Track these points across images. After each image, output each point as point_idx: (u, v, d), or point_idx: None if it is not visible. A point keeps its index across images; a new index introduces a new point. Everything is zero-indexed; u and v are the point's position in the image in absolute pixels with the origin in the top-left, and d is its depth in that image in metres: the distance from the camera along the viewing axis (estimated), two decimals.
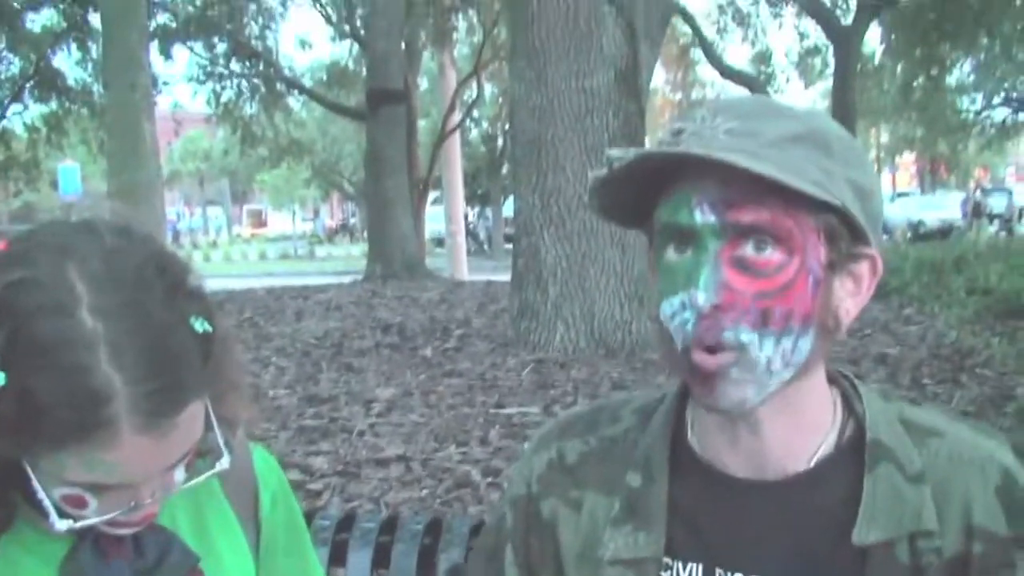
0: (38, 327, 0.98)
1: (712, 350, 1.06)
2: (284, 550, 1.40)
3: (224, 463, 1.15)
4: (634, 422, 1.29)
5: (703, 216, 1.06)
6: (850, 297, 1.12)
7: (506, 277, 9.12)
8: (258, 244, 48.80)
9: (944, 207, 32.76)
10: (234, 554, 1.32)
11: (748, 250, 1.05)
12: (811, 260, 1.07)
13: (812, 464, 1.16)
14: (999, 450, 1.15)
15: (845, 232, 1.08)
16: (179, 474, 1.12)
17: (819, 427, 1.17)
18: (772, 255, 1.05)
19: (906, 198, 39.91)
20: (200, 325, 1.06)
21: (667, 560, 1.20)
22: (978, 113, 29.88)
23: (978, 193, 31.32)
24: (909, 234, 24.82)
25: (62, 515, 1.07)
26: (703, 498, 1.20)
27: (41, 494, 1.05)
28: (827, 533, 1.13)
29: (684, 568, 1.19)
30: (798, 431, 1.16)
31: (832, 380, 1.21)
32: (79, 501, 1.07)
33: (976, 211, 29.00)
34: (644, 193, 1.13)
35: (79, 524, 1.08)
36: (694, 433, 1.23)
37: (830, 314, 1.10)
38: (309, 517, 2.04)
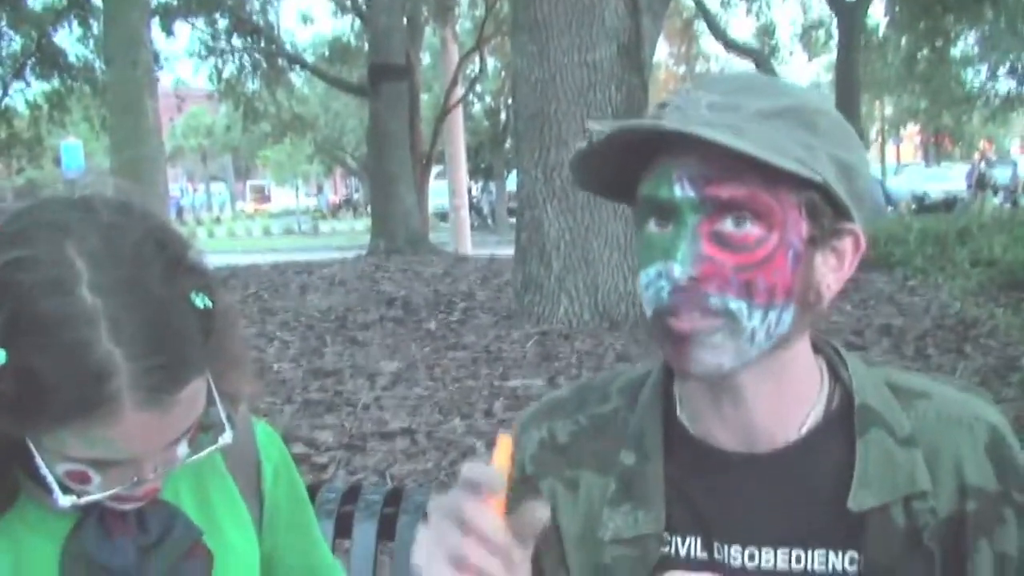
0: (38, 305, 0.98)
1: (685, 317, 1.07)
2: (287, 523, 1.41)
3: (226, 438, 1.16)
4: (622, 401, 1.28)
5: (682, 191, 1.06)
6: (832, 272, 1.12)
7: (510, 251, 9.12)
8: (262, 220, 48.73)
9: (948, 179, 32.63)
10: (237, 528, 1.32)
11: (727, 225, 1.05)
12: (791, 235, 1.07)
13: (803, 433, 1.16)
14: (985, 408, 1.16)
15: (827, 208, 1.08)
16: (181, 449, 1.13)
17: (806, 396, 1.18)
18: (751, 230, 1.05)
19: (910, 169, 39.80)
20: (201, 300, 1.06)
21: (665, 535, 1.20)
22: (982, 85, 29.75)
23: (983, 165, 31.19)
24: (914, 206, 24.75)
25: (65, 491, 1.07)
26: (697, 473, 1.20)
27: (44, 470, 1.06)
28: (823, 501, 1.13)
29: (683, 542, 1.19)
30: (783, 400, 1.16)
31: (817, 349, 1.22)
32: (82, 477, 1.07)
33: (980, 183, 28.88)
34: (628, 167, 1.13)
35: (83, 500, 1.08)
36: (683, 409, 1.23)
37: (812, 289, 1.10)
38: (314, 490, 2.04)
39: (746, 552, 1.16)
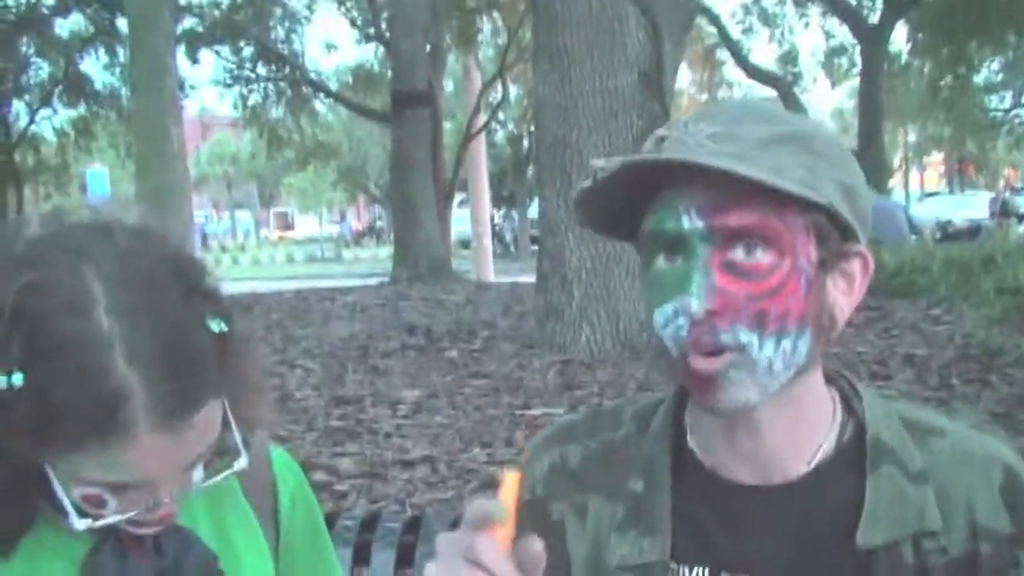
0: (55, 328, 0.99)
1: (710, 353, 1.06)
2: (303, 550, 1.41)
3: (242, 463, 1.16)
4: (634, 428, 1.28)
5: (691, 222, 1.06)
6: (843, 296, 1.12)
7: (532, 279, 9.12)
8: (285, 247, 48.98)
9: (973, 207, 32.50)
10: (253, 553, 1.32)
11: (739, 254, 1.05)
12: (802, 260, 1.06)
13: (813, 466, 1.15)
14: (1000, 448, 1.15)
15: (834, 231, 1.09)
16: (197, 474, 1.13)
17: (818, 426, 1.17)
18: (763, 258, 1.05)
19: (935, 198, 39.66)
20: (217, 325, 1.07)
21: (672, 564, 1.19)
22: (1007, 112, 29.66)
23: (1008, 192, 31.07)
24: (938, 234, 24.64)
25: (81, 514, 1.08)
26: (706, 503, 1.20)
27: (60, 494, 1.06)
28: (831, 535, 1.13)
29: (691, 572, 1.19)
30: (797, 431, 1.15)
31: (830, 379, 1.21)
32: (98, 501, 1.08)
33: (1004, 210, 28.75)
34: (631, 204, 1.13)
35: (98, 523, 1.09)
36: (693, 437, 1.23)
37: (825, 313, 1.10)
38: (333, 518, 2.05)
39: None
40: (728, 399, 1.08)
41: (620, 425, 1.30)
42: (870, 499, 1.11)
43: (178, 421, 1.02)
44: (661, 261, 1.10)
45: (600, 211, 1.17)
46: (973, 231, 26.31)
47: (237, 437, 1.15)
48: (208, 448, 1.11)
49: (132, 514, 1.09)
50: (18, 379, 0.98)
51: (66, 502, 1.07)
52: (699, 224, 1.06)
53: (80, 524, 1.08)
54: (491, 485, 3.44)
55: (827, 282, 1.10)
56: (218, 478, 1.16)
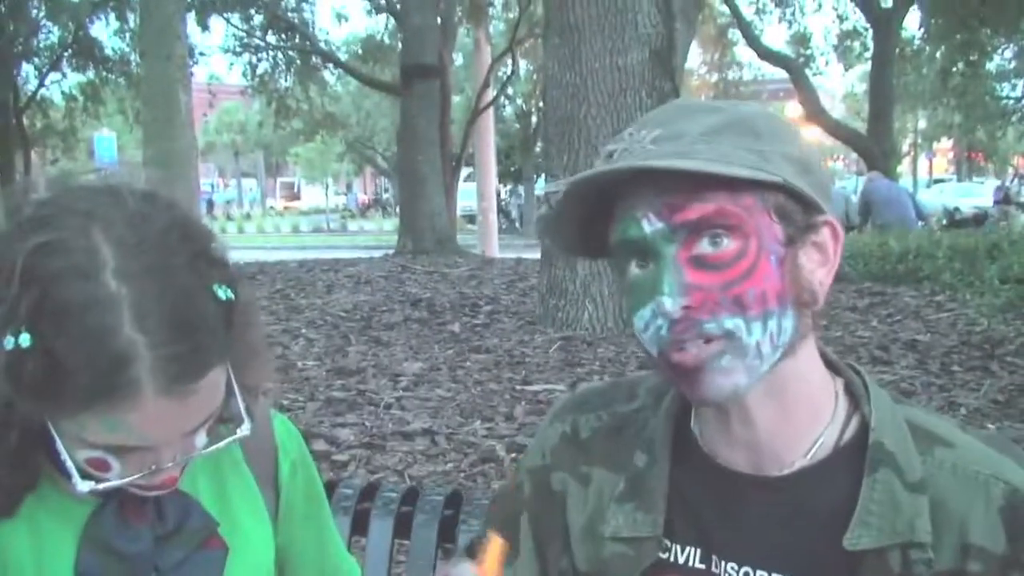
0: (63, 290, 0.99)
1: (688, 348, 1.07)
2: (302, 516, 1.42)
3: (245, 429, 1.17)
4: (648, 401, 1.31)
5: (651, 224, 1.07)
6: (819, 268, 1.13)
7: (536, 255, 9.12)
8: (291, 217, 48.99)
9: (980, 195, 32.41)
10: (253, 520, 1.34)
11: (704, 247, 1.06)
12: (768, 240, 1.07)
13: (810, 460, 1.15)
14: (1010, 468, 1.12)
15: (795, 206, 1.09)
16: (200, 439, 1.14)
17: (816, 418, 1.17)
18: (728, 246, 1.06)
19: (942, 185, 39.55)
20: (223, 292, 1.07)
21: (666, 542, 1.21)
22: (1018, 100, 29.52)
23: (1015, 182, 30.98)
24: (944, 221, 24.57)
25: (85, 477, 1.09)
26: (703, 487, 1.21)
27: (64, 456, 1.07)
28: (822, 534, 1.13)
29: (683, 552, 1.21)
30: (791, 419, 1.15)
31: (836, 370, 1.21)
32: (102, 464, 1.09)
33: (1006, 199, 28.67)
34: (594, 223, 1.15)
35: (101, 486, 1.10)
36: (696, 420, 1.24)
37: (804, 289, 1.11)
38: (332, 486, 2.06)
39: (742, 571, 1.17)
40: (716, 387, 1.08)
41: (635, 397, 1.32)
42: (862, 503, 1.11)
43: (183, 385, 1.03)
44: (634, 268, 1.11)
45: (569, 235, 1.19)
46: (979, 219, 26.26)
47: (240, 404, 1.16)
48: (212, 414, 1.12)
49: (135, 478, 1.10)
50: (26, 340, 0.98)
51: (70, 464, 1.08)
52: (659, 225, 1.07)
53: (83, 486, 1.09)
54: (490, 459, 3.49)
55: (799, 256, 1.10)
56: (221, 444, 1.16)
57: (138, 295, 1.00)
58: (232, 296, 1.09)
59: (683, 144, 1.07)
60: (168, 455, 1.10)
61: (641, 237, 1.08)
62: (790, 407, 1.15)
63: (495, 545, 1.03)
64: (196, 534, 1.25)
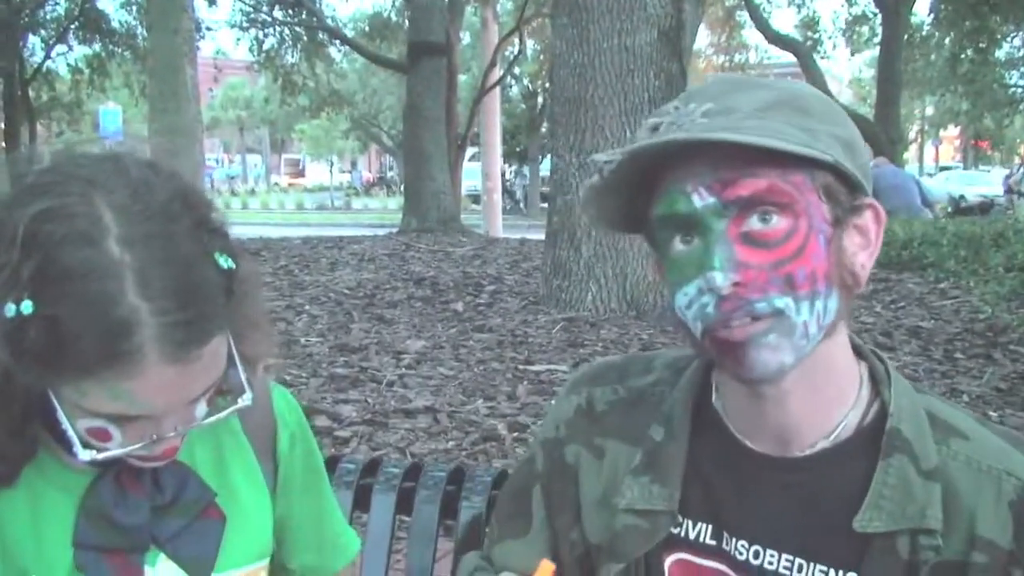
0: (65, 256, 0.98)
1: (734, 325, 1.06)
2: (301, 488, 1.42)
3: (246, 399, 1.16)
4: (665, 375, 1.31)
5: (702, 199, 1.06)
6: (861, 250, 1.13)
7: (541, 235, 9.11)
8: (295, 194, 48.96)
9: (986, 183, 32.34)
10: (252, 491, 1.34)
11: (754, 223, 1.06)
12: (816, 220, 1.07)
13: (832, 441, 1.16)
14: (1023, 463, 1.13)
15: (841, 187, 1.09)
16: (200, 409, 1.14)
17: (841, 398, 1.17)
18: (779, 223, 1.05)
19: (948, 172, 39.47)
20: (224, 261, 1.07)
21: (679, 516, 1.21)
22: None
23: (1020, 171, 30.90)
24: (950, 208, 24.53)
25: (86, 446, 1.09)
26: (720, 463, 1.21)
27: (65, 424, 1.07)
28: (833, 516, 1.13)
29: (694, 527, 1.21)
30: (819, 399, 1.15)
31: (861, 355, 1.21)
32: (102, 434, 1.08)
33: (1010, 188, 28.64)
34: (635, 197, 1.13)
35: (102, 455, 1.09)
36: (719, 397, 1.24)
37: (847, 271, 1.10)
38: (335, 461, 2.06)
39: (752, 549, 1.18)
40: (762, 364, 1.07)
41: (651, 371, 1.32)
42: (875, 486, 1.12)
43: (185, 353, 1.02)
44: (678, 243, 1.10)
45: (611, 208, 1.17)
46: (985, 207, 26.20)
47: (241, 375, 1.16)
48: (213, 383, 1.11)
49: (135, 447, 1.10)
50: (28, 306, 0.98)
51: (71, 433, 1.08)
52: (710, 200, 1.06)
53: (84, 455, 1.08)
54: (492, 438, 3.49)
55: (843, 239, 1.10)
56: (222, 415, 1.16)
57: (141, 262, 0.99)
58: (233, 265, 1.08)
59: (735, 119, 1.06)
60: (169, 425, 1.10)
61: (691, 212, 1.07)
62: (821, 389, 1.15)
63: (544, 569, 1.05)
64: (193, 504, 1.25)
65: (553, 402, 1.41)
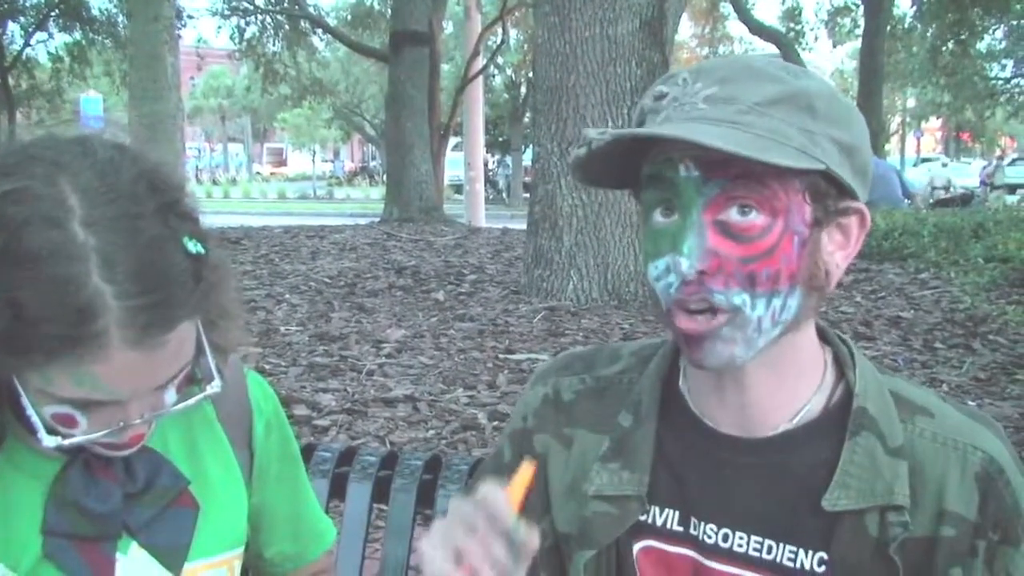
0: (29, 238, 0.96)
1: (700, 312, 1.07)
2: (276, 477, 1.41)
3: (215, 387, 1.15)
4: (632, 363, 1.31)
5: (687, 171, 1.06)
6: (839, 250, 1.13)
7: (523, 225, 9.11)
8: (277, 183, 48.81)
9: (967, 175, 32.49)
10: (225, 479, 1.32)
11: (732, 214, 1.06)
12: (795, 221, 1.07)
13: (796, 423, 1.16)
14: (990, 439, 1.14)
15: (831, 189, 1.09)
16: (169, 396, 1.12)
17: (805, 383, 1.18)
18: (756, 219, 1.05)
19: (930, 163, 39.63)
20: (193, 245, 1.05)
21: (647, 503, 1.21)
22: (1007, 81, 29.57)
23: (995, 164, 31.13)
24: (931, 200, 24.66)
25: (51, 432, 1.07)
26: (688, 447, 1.22)
27: (30, 411, 1.05)
28: (801, 496, 1.14)
29: (661, 513, 1.22)
30: (783, 385, 1.16)
31: (826, 339, 1.22)
32: (68, 420, 1.07)
33: (985, 180, 28.84)
34: (628, 158, 1.13)
35: (67, 442, 1.08)
36: (685, 382, 1.25)
37: (820, 269, 1.11)
38: (311, 449, 2.04)
39: (721, 532, 1.18)
40: (715, 355, 1.09)
41: (618, 360, 1.33)
42: (843, 465, 1.12)
43: (150, 338, 1.01)
44: (658, 215, 1.10)
45: (597, 170, 1.17)
46: (966, 199, 26.34)
47: (211, 362, 1.14)
48: (180, 369, 1.10)
49: (102, 434, 1.08)
50: None
51: (35, 419, 1.06)
52: (695, 174, 1.06)
53: (49, 441, 1.07)
54: (472, 427, 3.47)
55: (822, 238, 1.10)
56: (190, 402, 1.14)
57: (106, 244, 0.98)
58: (202, 250, 1.06)
59: (734, 111, 1.05)
60: (135, 411, 1.09)
61: (674, 179, 1.07)
62: (784, 375, 1.16)
63: (525, 469, 1.04)
64: (166, 492, 1.24)
65: (520, 395, 1.40)
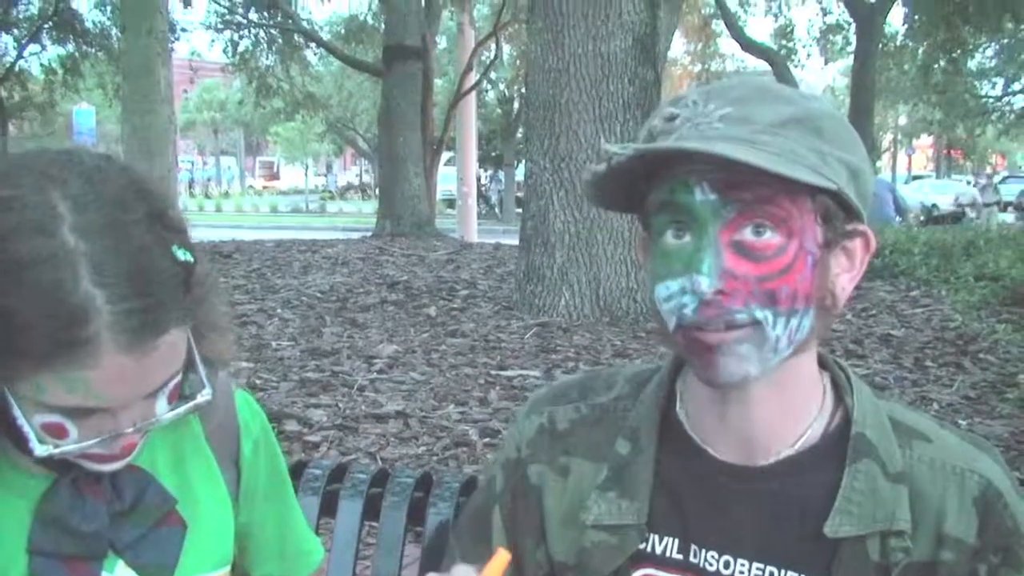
0: (19, 245, 0.97)
1: (719, 330, 1.07)
2: (264, 496, 1.40)
3: (205, 395, 1.15)
4: (627, 390, 1.31)
5: (703, 194, 1.06)
6: (845, 273, 1.14)
7: (515, 241, 9.11)
8: (270, 197, 48.80)
9: (959, 192, 32.61)
10: (212, 499, 1.32)
11: (747, 234, 1.06)
12: (808, 242, 1.08)
13: (796, 449, 1.16)
14: (987, 463, 1.15)
15: (840, 211, 1.10)
16: (160, 406, 1.12)
17: (806, 409, 1.18)
18: (771, 239, 1.06)
19: (921, 181, 39.78)
20: (182, 254, 1.06)
21: (646, 532, 1.21)
22: (998, 99, 29.72)
23: (982, 183, 31.28)
24: (922, 217, 24.73)
25: (42, 442, 1.07)
26: (686, 474, 1.21)
27: (21, 420, 1.05)
28: (802, 522, 1.14)
29: (660, 541, 1.21)
30: (786, 411, 1.16)
31: (824, 365, 1.22)
32: (59, 429, 1.06)
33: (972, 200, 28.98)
34: (637, 179, 1.13)
35: (59, 450, 1.07)
36: (683, 407, 1.24)
37: (828, 292, 1.11)
38: (301, 466, 2.04)
39: (722, 559, 1.18)
40: (728, 371, 1.08)
41: (613, 387, 1.32)
42: (844, 491, 1.13)
43: (141, 342, 1.00)
44: (669, 237, 1.10)
45: (607, 189, 1.16)
46: (957, 216, 26.42)
47: (201, 371, 1.14)
48: (171, 377, 1.09)
49: (93, 442, 1.08)
50: None
51: (27, 428, 1.06)
52: (712, 196, 1.06)
53: (41, 450, 1.06)
54: (463, 443, 3.46)
55: (830, 260, 1.11)
56: (180, 411, 1.14)
57: (96, 250, 0.98)
58: (191, 259, 1.07)
59: (750, 131, 1.06)
60: (127, 420, 1.08)
61: (689, 204, 1.07)
62: (787, 400, 1.16)
63: (500, 557, 1.04)
64: (154, 511, 1.23)
65: (512, 423, 1.40)
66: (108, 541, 1.20)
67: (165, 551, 1.24)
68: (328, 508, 2.00)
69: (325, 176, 61.51)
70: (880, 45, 22.69)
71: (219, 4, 21.21)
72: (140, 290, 0.99)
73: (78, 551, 1.18)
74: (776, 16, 26.80)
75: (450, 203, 30.28)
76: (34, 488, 1.18)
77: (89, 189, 1.02)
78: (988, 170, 44.66)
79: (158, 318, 1.02)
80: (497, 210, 36.22)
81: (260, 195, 51.98)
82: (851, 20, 23.71)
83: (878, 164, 28.84)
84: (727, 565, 1.17)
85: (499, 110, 34.70)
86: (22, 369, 1.00)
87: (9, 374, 1.01)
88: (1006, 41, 24.79)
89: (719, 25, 27.74)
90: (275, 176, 68.88)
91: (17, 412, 1.05)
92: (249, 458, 1.38)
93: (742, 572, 1.16)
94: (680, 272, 1.07)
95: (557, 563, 1.28)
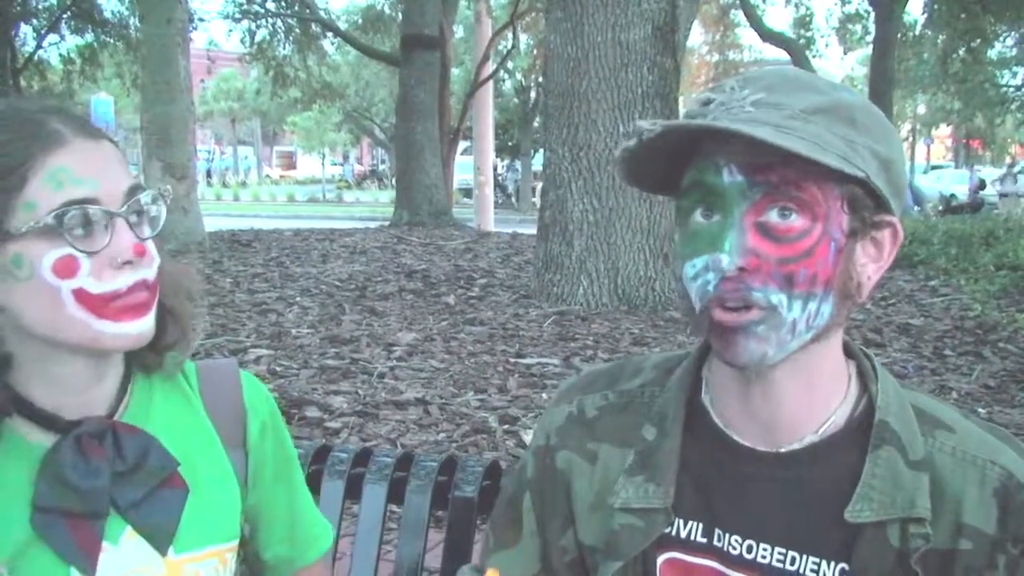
0: (9, 112, 1.18)
1: (736, 309, 1.09)
2: (272, 478, 1.42)
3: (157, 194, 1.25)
4: (653, 377, 1.33)
5: (731, 175, 1.08)
6: (872, 263, 1.15)
7: (532, 230, 9.12)
8: (287, 186, 48.86)
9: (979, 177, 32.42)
10: (211, 469, 1.34)
11: (772, 216, 1.07)
12: (833, 227, 1.09)
13: (820, 436, 1.18)
14: (1009, 455, 1.16)
15: (868, 201, 1.11)
16: (144, 197, 1.21)
17: (831, 396, 1.19)
18: (795, 221, 1.07)
19: (940, 171, 39.57)
20: None
21: (672, 515, 1.23)
22: (1018, 88, 29.51)
23: (1004, 172, 31.07)
24: (940, 207, 24.60)
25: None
26: (712, 459, 1.23)
27: (40, 266, 1.12)
28: (824, 508, 1.15)
29: (685, 525, 1.23)
30: (810, 397, 1.17)
31: (850, 353, 1.23)
32: (69, 262, 1.13)
33: (980, 185, 28.80)
34: (671, 161, 1.15)
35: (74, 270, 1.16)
36: (708, 394, 1.26)
37: (852, 280, 1.12)
38: (326, 451, 2.06)
39: (745, 543, 1.19)
40: (748, 352, 1.10)
41: (640, 373, 1.34)
42: (865, 478, 1.14)
43: (93, 132, 1.19)
44: (698, 216, 1.12)
45: (640, 168, 1.18)
46: (976, 206, 26.29)
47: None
48: (133, 182, 1.20)
49: (104, 263, 1.14)
50: None
51: (44, 271, 1.12)
52: (739, 178, 1.08)
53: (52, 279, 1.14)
54: (482, 430, 3.48)
55: (856, 249, 1.12)
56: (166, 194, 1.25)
57: (72, 126, 1.17)
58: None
59: (781, 116, 1.07)
60: (122, 223, 1.16)
61: (717, 184, 1.09)
62: (811, 386, 1.17)
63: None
64: (156, 472, 1.25)
65: (545, 411, 1.42)
66: (109, 500, 1.22)
67: (167, 512, 1.26)
68: (353, 491, 2.02)
69: (342, 165, 61.52)
70: (899, 34, 22.57)
71: None
72: (92, 129, 1.20)
73: (80, 508, 1.20)
74: (796, 5, 26.69)
75: (467, 192, 30.28)
76: (37, 453, 1.21)
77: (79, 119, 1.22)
78: (1008, 160, 44.40)
79: (99, 133, 1.21)
80: (514, 199, 36.18)
81: (277, 184, 52.03)
82: (870, 9, 23.60)
83: None
84: (750, 549, 1.18)
85: (516, 99, 34.66)
86: (12, 185, 1.12)
87: (6, 201, 1.12)
88: None
89: (737, 15, 27.66)
90: (292, 166, 68.91)
91: (29, 260, 1.12)
92: (256, 439, 1.40)
93: (764, 556, 1.18)
94: (705, 250, 1.09)
95: (586, 547, 1.30)
